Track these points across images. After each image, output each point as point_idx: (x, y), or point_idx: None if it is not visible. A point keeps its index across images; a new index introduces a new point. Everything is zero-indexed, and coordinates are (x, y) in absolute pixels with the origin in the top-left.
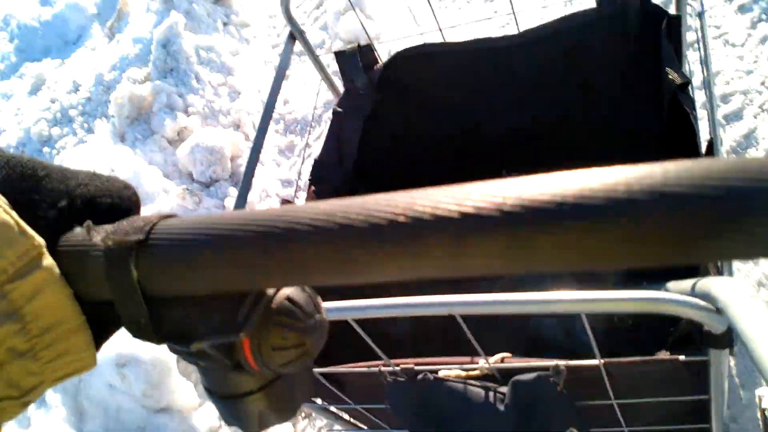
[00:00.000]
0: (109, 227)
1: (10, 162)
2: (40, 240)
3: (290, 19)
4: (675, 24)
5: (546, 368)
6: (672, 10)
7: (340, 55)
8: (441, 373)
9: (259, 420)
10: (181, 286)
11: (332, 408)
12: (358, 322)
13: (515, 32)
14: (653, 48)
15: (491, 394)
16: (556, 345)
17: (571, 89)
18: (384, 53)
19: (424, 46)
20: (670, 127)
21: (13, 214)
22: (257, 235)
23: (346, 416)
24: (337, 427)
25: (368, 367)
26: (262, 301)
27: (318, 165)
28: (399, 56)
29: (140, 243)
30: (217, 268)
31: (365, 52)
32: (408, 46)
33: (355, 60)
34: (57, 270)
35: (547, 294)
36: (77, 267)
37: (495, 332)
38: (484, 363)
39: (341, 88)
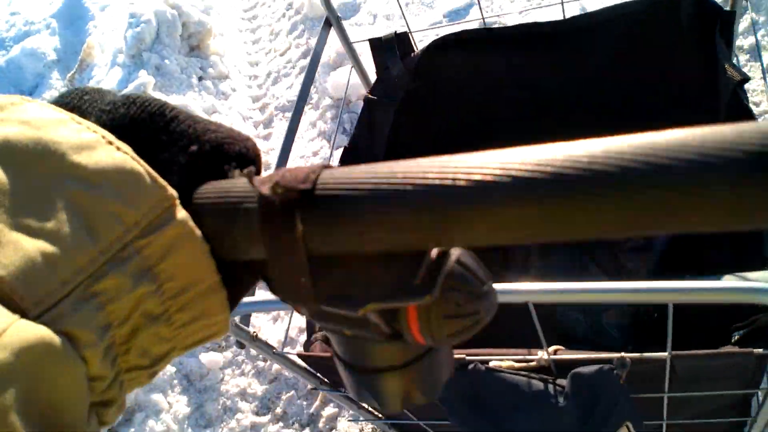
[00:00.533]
0: (263, 177)
1: (136, 100)
2: (172, 191)
3: (328, 4)
4: (728, 20)
5: (604, 361)
6: (726, 5)
7: (375, 42)
8: (492, 364)
9: (403, 397)
10: (347, 244)
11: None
12: None
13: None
14: (707, 43)
15: (550, 386)
16: (582, 338)
17: (620, 81)
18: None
19: (465, 32)
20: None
21: (142, 162)
22: (442, 188)
23: (366, 405)
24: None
25: None
26: (446, 261)
27: (348, 151)
28: (438, 43)
29: (306, 194)
30: (392, 224)
31: (402, 39)
32: (448, 33)
33: (392, 47)
34: (192, 223)
35: (634, 283)
36: (219, 221)
37: (522, 323)
38: (543, 355)
39: (371, 80)
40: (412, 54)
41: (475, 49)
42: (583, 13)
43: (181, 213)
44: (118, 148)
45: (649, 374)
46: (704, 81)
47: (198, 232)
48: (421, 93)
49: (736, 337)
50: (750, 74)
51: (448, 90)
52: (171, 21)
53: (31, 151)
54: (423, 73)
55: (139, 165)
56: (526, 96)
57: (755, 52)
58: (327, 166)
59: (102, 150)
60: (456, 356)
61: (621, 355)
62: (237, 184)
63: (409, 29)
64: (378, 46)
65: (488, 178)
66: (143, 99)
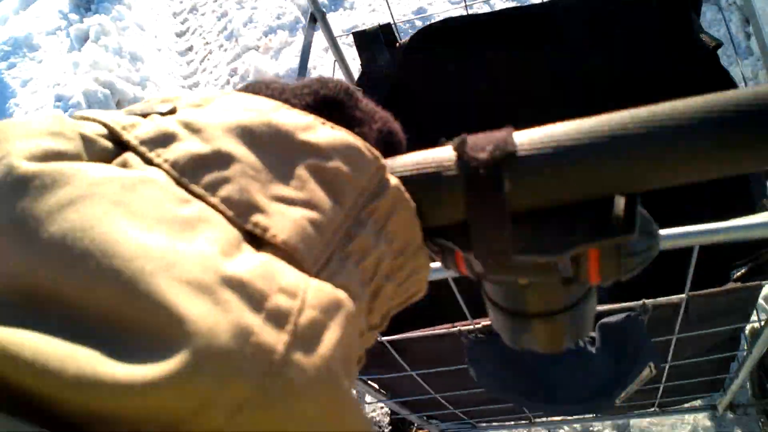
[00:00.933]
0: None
1: (328, 83)
2: (384, 161)
3: (314, 0)
4: None
5: (625, 309)
6: None
7: (360, 35)
8: None
9: (564, 337)
10: (548, 197)
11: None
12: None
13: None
14: (679, 13)
15: None
16: None
17: (598, 57)
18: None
19: (450, 20)
20: (703, 90)
21: (356, 136)
22: (644, 136)
23: (375, 386)
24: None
25: (447, 329)
26: (638, 200)
27: None
28: (424, 31)
29: (512, 156)
30: (591, 175)
31: (386, 31)
32: (433, 22)
33: (378, 37)
34: (403, 188)
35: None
36: (419, 190)
37: None
38: None
39: (355, 74)
40: (397, 44)
41: (460, 36)
42: None
43: (394, 180)
44: (333, 127)
45: (665, 318)
46: (679, 51)
47: (408, 195)
48: (410, 82)
49: (737, 274)
50: None
51: (435, 78)
52: (103, 100)
53: (265, 133)
54: (410, 62)
55: (356, 139)
56: (513, 81)
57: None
58: (512, 129)
59: (321, 129)
60: (485, 323)
61: (643, 302)
62: (430, 155)
63: (393, 20)
64: (362, 38)
65: (685, 122)
66: (335, 81)
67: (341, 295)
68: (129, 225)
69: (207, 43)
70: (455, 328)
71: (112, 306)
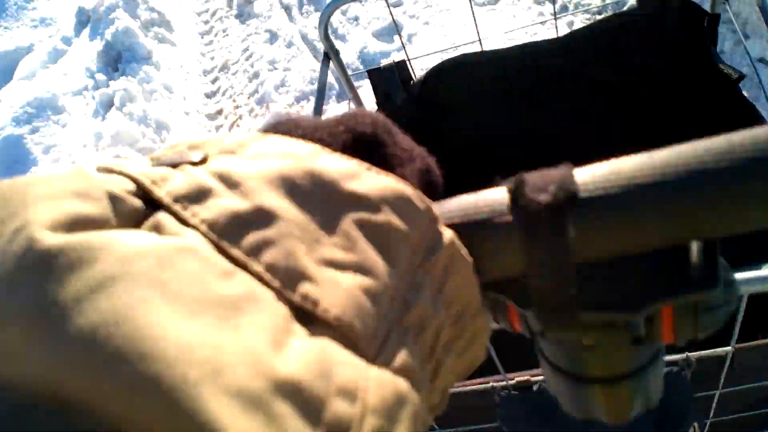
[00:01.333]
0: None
1: (365, 118)
2: (436, 211)
3: (327, 38)
4: (713, 23)
5: (671, 363)
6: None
7: (375, 72)
8: None
9: (633, 405)
10: (614, 245)
11: None
12: None
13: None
14: (697, 46)
15: None
16: None
17: (613, 91)
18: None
19: (465, 56)
20: (728, 123)
21: (406, 183)
22: (729, 170)
23: None
24: None
25: (480, 384)
26: (718, 247)
27: None
28: (439, 68)
29: (574, 197)
30: (665, 217)
31: (401, 67)
32: (447, 58)
33: (393, 74)
34: (459, 242)
35: None
36: (470, 237)
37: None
38: None
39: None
40: (412, 81)
41: (474, 71)
42: (571, 30)
43: (448, 233)
44: (378, 173)
45: (699, 374)
46: (697, 83)
47: (465, 250)
48: (426, 118)
49: None
50: None
51: (452, 113)
52: None
53: (307, 184)
54: (427, 98)
55: (406, 186)
56: (531, 116)
57: None
58: (571, 165)
59: (366, 176)
60: (519, 378)
61: (686, 355)
62: (480, 198)
63: (407, 57)
64: (378, 76)
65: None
66: (370, 116)
67: (403, 386)
68: (169, 313)
69: (237, 106)
70: (488, 384)
71: (150, 424)
